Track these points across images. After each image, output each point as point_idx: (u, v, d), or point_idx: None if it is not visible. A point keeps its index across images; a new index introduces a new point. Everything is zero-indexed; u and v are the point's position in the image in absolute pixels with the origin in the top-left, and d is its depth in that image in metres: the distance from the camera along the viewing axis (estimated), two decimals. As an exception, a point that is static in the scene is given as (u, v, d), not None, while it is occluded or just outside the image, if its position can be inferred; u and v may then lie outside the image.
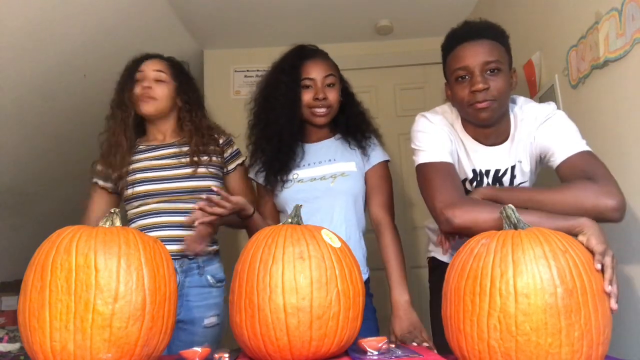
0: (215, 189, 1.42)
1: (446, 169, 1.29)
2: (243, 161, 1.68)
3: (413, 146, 1.38)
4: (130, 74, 1.62)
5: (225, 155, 1.65)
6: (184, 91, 1.64)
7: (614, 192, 1.13)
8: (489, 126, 1.33)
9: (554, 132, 1.28)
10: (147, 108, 1.59)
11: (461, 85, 1.29)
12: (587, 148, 1.24)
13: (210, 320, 1.52)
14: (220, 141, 1.65)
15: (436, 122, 1.37)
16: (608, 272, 0.95)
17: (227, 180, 1.66)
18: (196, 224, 1.38)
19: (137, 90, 1.59)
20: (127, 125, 1.59)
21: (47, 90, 1.87)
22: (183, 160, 1.56)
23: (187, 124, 1.62)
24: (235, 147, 1.69)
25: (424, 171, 1.31)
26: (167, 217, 1.51)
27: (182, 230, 1.49)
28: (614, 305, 0.92)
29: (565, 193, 1.16)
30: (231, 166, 1.66)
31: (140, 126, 1.67)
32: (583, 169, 1.19)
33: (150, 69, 1.60)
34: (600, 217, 1.11)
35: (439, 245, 1.30)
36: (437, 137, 1.35)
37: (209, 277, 1.54)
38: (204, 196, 1.41)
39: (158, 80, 1.60)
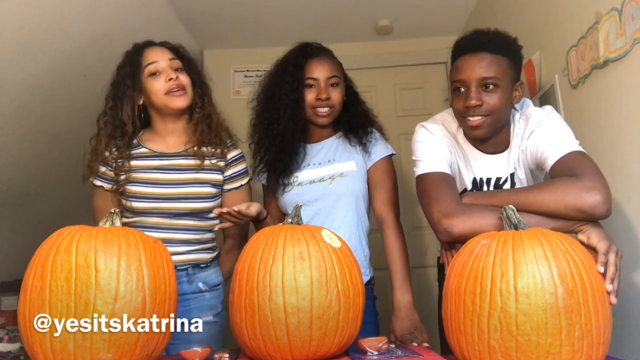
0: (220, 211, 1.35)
1: (443, 179, 1.28)
2: (248, 181, 1.57)
3: (413, 157, 1.38)
4: (135, 64, 1.46)
5: (229, 172, 1.52)
6: (196, 83, 1.52)
7: (597, 187, 1.08)
8: (485, 140, 1.33)
9: (544, 139, 1.25)
10: (181, 102, 1.45)
11: (458, 97, 1.29)
12: (578, 148, 1.21)
13: (207, 318, 1.46)
14: (229, 156, 1.53)
15: (436, 133, 1.37)
16: (610, 270, 0.95)
17: (226, 197, 1.52)
18: (216, 228, 1.43)
19: (159, 84, 1.44)
20: (131, 119, 1.45)
21: (47, 90, 1.87)
22: (191, 176, 1.46)
23: (199, 127, 1.49)
24: (241, 167, 1.55)
25: (422, 182, 1.31)
26: (165, 234, 1.43)
27: (179, 246, 1.45)
28: (613, 300, 0.92)
29: (544, 192, 1.13)
30: (229, 186, 1.52)
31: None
32: (569, 168, 1.16)
33: (166, 58, 1.47)
34: (583, 215, 1.09)
35: (443, 262, 1.31)
36: (436, 147, 1.35)
37: (200, 285, 1.48)
38: (212, 214, 1.44)
39: (178, 69, 1.47)
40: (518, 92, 1.31)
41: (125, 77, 1.46)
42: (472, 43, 1.29)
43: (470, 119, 1.26)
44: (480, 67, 1.24)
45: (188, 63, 1.53)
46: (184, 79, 1.48)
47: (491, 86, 1.25)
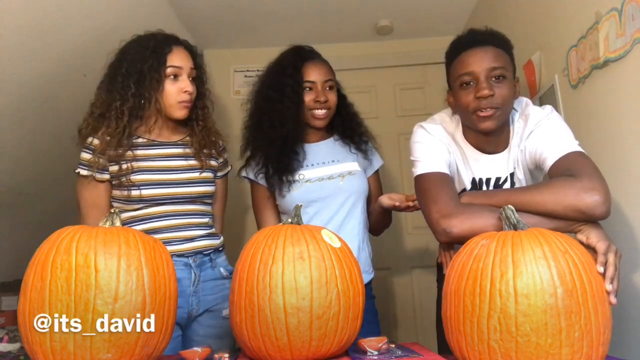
0: None
1: (442, 179, 1.28)
2: (228, 171, 1.67)
3: (411, 158, 1.37)
4: (161, 61, 1.46)
5: (220, 160, 1.62)
6: (201, 85, 1.57)
7: (597, 187, 1.08)
8: (490, 134, 1.33)
9: (543, 139, 1.26)
10: (184, 114, 1.50)
11: (465, 91, 1.28)
12: (577, 148, 1.21)
13: (228, 311, 1.49)
14: (220, 143, 1.62)
15: (434, 133, 1.37)
16: (610, 270, 0.95)
17: (217, 183, 1.61)
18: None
19: (174, 89, 1.46)
20: (131, 114, 1.45)
21: (47, 90, 1.87)
22: (192, 162, 1.51)
23: (200, 123, 1.56)
24: (226, 155, 1.66)
25: (421, 182, 1.31)
26: (177, 220, 1.46)
27: (193, 231, 1.47)
28: (613, 300, 0.92)
29: (543, 192, 1.13)
30: (221, 173, 1.63)
31: None
32: (568, 168, 1.16)
33: (188, 67, 1.49)
34: (582, 215, 1.08)
35: (442, 262, 1.31)
36: (434, 148, 1.34)
37: (221, 269, 1.51)
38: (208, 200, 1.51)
39: (194, 79, 1.52)
40: (517, 87, 1.33)
41: (152, 70, 1.45)
42: (476, 37, 1.30)
43: (483, 110, 1.25)
44: (488, 57, 1.26)
45: (200, 73, 1.57)
46: (194, 92, 1.52)
47: (500, 77, 1.26)
